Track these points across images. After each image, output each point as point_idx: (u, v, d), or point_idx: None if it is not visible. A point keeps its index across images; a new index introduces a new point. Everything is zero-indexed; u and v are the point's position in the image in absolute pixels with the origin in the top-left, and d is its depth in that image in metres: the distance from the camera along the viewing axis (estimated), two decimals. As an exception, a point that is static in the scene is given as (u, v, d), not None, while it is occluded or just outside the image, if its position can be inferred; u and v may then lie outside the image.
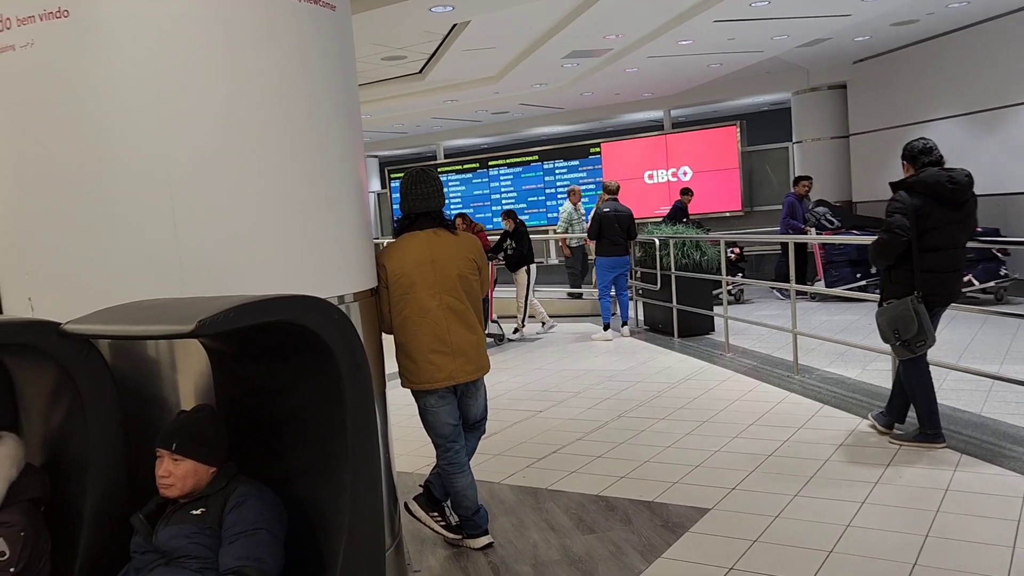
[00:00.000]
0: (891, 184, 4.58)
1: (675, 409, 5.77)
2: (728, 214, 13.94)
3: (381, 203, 18.26)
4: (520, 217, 9.94)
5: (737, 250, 11.42)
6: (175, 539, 2.22)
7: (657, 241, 8.94)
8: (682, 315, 8.58)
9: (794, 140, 13.56)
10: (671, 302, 8.64)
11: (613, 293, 9.26)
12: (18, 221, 2.87)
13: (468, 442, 3.69)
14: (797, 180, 11.32)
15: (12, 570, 2.20)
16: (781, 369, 6.76)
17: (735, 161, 13.84)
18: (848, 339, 6.86)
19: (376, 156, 18.33)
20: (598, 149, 15.19)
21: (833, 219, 10.43)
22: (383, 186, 18.15)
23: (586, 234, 10.01)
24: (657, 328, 9.30)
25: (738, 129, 13.83)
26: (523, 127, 15.88)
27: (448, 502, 3.69)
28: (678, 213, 11.37)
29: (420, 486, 3.77)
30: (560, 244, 12.04)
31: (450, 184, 16.96)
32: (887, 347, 4.74)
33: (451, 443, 3.57)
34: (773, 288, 10.93)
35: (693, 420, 5.44)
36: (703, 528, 3.70)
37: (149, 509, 2.34)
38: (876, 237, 4.54)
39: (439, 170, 17.27)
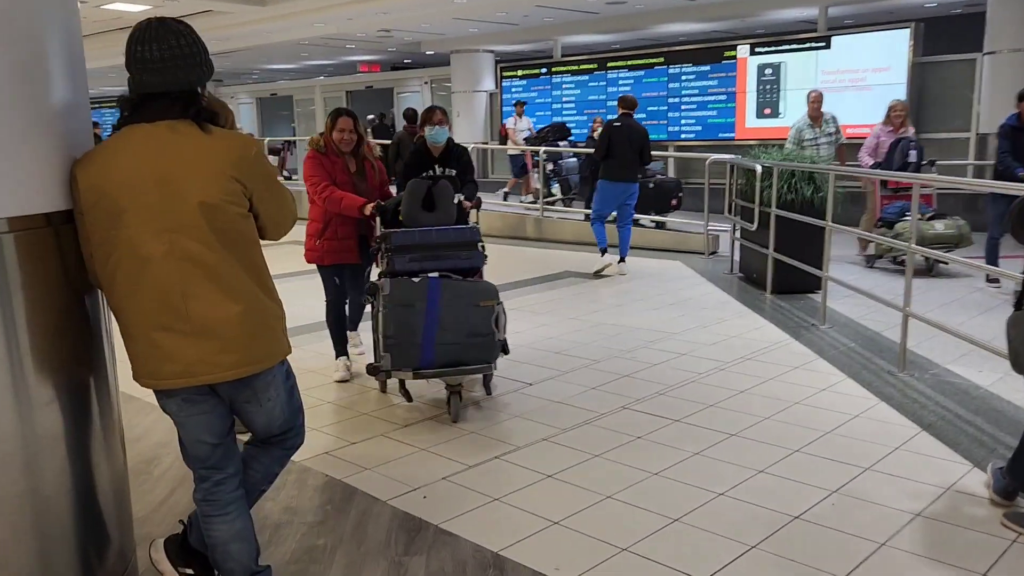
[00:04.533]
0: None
1: (704, 407, 4.15)
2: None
3: (492, 105, 16.74)
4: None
5: None
6: None
7: (759, 169, 7.00)
8: (781, 266, 6.70)
9: (985, 51, 10.71)
10: (769, 247, 6.77)
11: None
12: None
13: (254, 466, 2.36)
14: None
15: None
16: (883, 358, 4.90)
17: (903, 74, 11.19)
18: (981, 331, 4.88)
19: (491, 51, 16.70)
20: (733, 53, 12.87)
21: None
22: (496, 86, 16.59)
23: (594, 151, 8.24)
24: (751, 278, 7.46)
25: (911, 33, 11.10)
26: (649, 23, 13.69)
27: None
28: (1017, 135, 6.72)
29: (181, 522, 2.49)
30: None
31: (564, 87, 15.20)
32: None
33: (208, 471, 2.24)
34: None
35: (716, 430, 3.82)
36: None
37: None
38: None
39: (552, 70, 15.51)
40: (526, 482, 3.32)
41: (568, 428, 3.89)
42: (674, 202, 9.93)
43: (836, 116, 8.44)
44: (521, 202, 12.36)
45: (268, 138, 17.70)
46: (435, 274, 4.01)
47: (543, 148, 11.02)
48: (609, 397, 4.34)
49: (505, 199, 12.24)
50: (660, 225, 9.73)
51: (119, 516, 2.30)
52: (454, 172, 4.78)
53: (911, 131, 8.02)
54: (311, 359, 5.12)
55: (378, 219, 4.44)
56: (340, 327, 4.85)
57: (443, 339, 3.85)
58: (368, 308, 4.34)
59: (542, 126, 13.50)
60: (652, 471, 3.38)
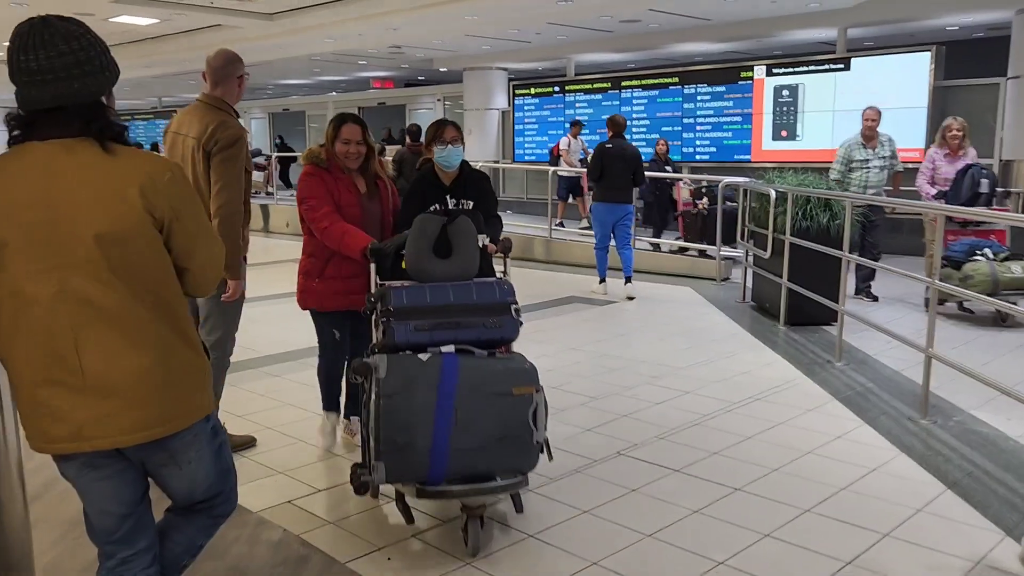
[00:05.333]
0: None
1: (706, 455, 3.81)
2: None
3: (504, 123, 16.50)
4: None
5: None
6: None
7: (773, 194, 6.67)
8: (795, 296, 6.34)
9: (1009, 75, 10.34)
10: (782, 276, 6.43)
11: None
12: None
13: (175, 538, 2.05)
14: None
15: None
16: (904, 402, 4.54)
17: (923, 98, 10.83)
18: (1009, 371, 4.51)
19: (505, 69, 16.48)
20: (750, 73, 12.55)
21: None
22: (508, 104, 16.34)
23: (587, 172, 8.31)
24: (764, 307, 7.12)
25: (932, 57, 10.75)
26: (664, 42, 13.44)
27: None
28: None
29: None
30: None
31: (577, 106, 14.94)
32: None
33: (114, 546, 1.94)
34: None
35: (719, 483, 3.48)
36: None
37: None
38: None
39: (565, 88, 15.24)
40: (504, 543, 2.99)
41: (557, 477, 3.56)
42: None
43: (893, 138, 7.49)
44: (581, 228, 11.62)
45: (275, 154, 17.56)
46: (450, 348, 2.90)
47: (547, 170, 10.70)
48: (604, 441, 4.01)
49: (561, 225, 11.65)
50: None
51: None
52: (471, 204, 3.68)
53: (972, 154, 7.07)
54: (293, 391, 4.83)
55: (373, 266, 3.35)
56: (335, 382, 3.95)
57: (460, 443, 2.76)
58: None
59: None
60: (646, 532, 3.05)
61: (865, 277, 7.36)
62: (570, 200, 12.43)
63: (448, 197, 3.66)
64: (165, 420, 1.83)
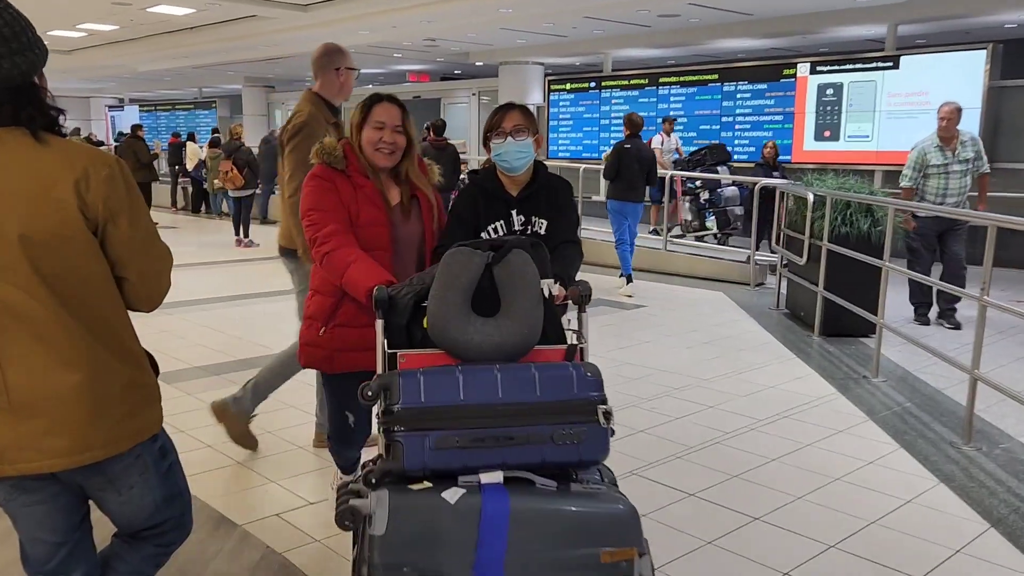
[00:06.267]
0: None
1: (726, 478, 3.55)
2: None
3: (540, 118, 16.24)
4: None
5: None
6: None
7: (811, 198, 6.34)
8: (831, 305, 6.01)
9: (1070, 75, 9.84)
10: (818, 284, 6.11)
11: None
12: None
13: (119, 568, 1.87)
14: None
15: None
16: (944, 424, 4.22)
17: (977, 98, 10.33)
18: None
19: (541, 63, 16.22)
20: (793, 71, 12.13)
21: None
22: (544, 99, 16.08)
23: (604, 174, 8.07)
24: (798, 316, 6.79)
25: (988, 55, 10.25)
26: (704, 38, 13.07)
27: None
28: None
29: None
30: (903, 213, 6.25)
31: (613, 102, 14.62)
32: None
33: (44, 579, 1.75)
34: None
35: (737, 511, 3.22)
36: None
37: None
38: None
39: (601, 84, 14.93)
40: None
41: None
42: None
43: (977, 137, 6.58)
44: (654, 231, 10.86)
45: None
46: (496, 478, 1.79)
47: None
48: (618, 458, 3.73)
49: (656, 232, 10.81)
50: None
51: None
52: (544, 227, 2.66)
53: None
54: (299, 392, 4.63)
55: (380, 324, 2.08)
56: (354, 449, 2.99)
57: None
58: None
59: (699, 147, 11.66)
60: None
61: (950, 299, 6.37)
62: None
63: (514, 214, 2.63)
64: (100, 443, 1.64)
